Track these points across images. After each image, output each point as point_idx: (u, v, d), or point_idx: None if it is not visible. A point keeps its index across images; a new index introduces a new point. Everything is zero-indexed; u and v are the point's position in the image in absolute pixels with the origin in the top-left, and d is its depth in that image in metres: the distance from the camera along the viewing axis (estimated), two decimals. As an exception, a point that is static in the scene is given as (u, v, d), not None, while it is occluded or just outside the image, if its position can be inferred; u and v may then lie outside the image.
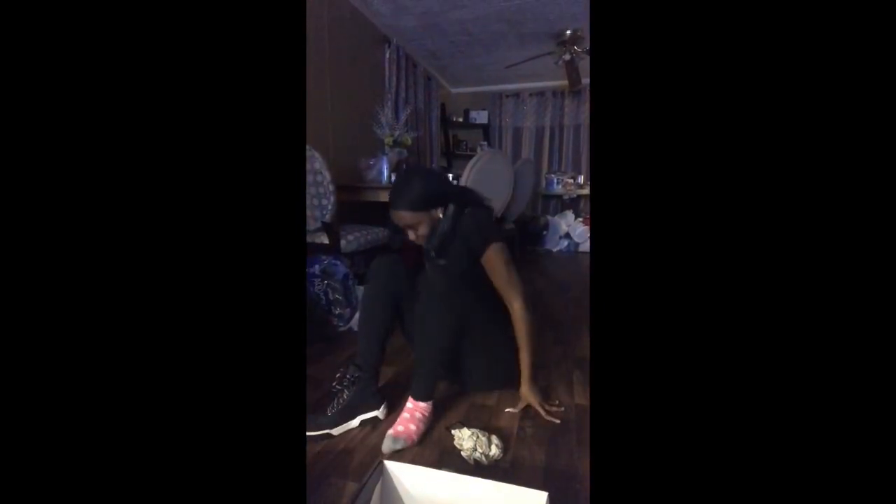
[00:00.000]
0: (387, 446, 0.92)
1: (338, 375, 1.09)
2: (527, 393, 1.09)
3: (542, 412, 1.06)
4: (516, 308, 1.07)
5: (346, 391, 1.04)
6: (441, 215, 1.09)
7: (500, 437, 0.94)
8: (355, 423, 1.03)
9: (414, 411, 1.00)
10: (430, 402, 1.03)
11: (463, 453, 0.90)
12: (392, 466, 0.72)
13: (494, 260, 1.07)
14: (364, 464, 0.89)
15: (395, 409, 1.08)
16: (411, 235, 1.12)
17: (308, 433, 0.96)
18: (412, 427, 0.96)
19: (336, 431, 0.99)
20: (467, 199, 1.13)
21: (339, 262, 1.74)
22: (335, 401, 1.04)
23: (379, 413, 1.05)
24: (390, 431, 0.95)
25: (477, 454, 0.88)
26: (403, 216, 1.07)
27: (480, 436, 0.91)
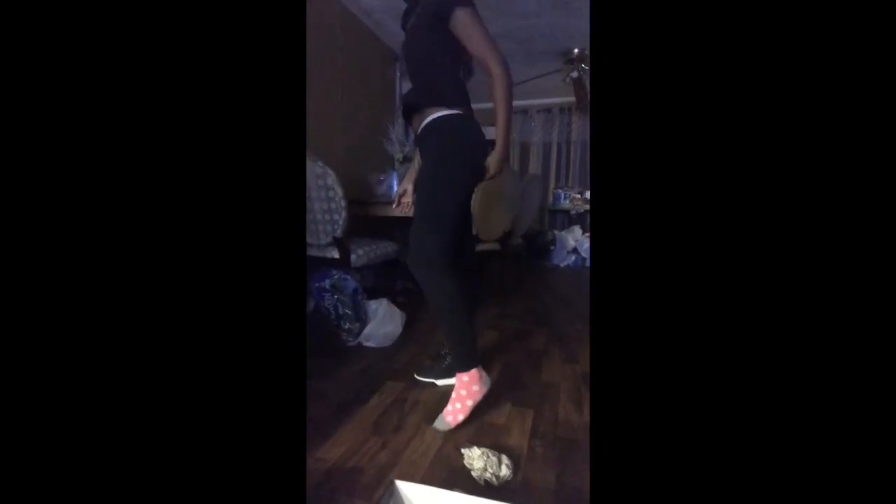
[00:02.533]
0: (438, 425, 1.10)
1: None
2: (494, 161, 1.08)
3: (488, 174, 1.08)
4: (497, 73, 1.03)
5: (448, 356, 1.25)
6: None
7: (511, 456, 0.93)
8: (453, 380, 1.17)
9: (459, 389, 1.13)
10: (474, 370, 1.11)
11: (473, 473, 0.89)
12: (403, 487, 0.72)
13: (467, 22, 1.01)
14: (372, 483, 0.88)
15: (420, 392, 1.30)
16: None
17: (418, 377, 1.27)
18: (457, 406, 1.11)
19: (439, 383, 1.27)
20: None
21: (349, 277, 1.76)
22: (440, 363, 1.31)
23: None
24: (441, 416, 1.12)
25: (487, 475, 0.87)
26: None
27: (491, 455, 0.90)
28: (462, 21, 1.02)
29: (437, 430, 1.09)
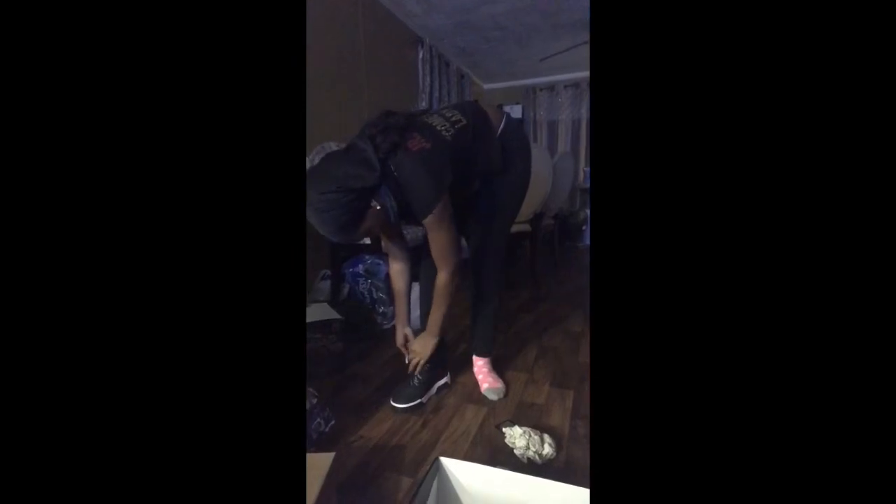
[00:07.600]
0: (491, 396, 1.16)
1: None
2: (420, 340, 1.13)
3: (412, 362, 1.14)
4: (441, 276, 1.03)
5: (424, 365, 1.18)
6: (378, 207, 0.89)
7: (552, 436, 0.93)
8: (433, 390, 1.19)
9: (483, 369, 1.25)
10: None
11: (516, 451, 0.89)
12: (448, 463, 0.72)
13: (433, 227, 0.95)
14: (416, 459, 0.90)
15: (457, 374, 1.31)
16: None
17: (402, 405, 1.11)
18: (492, 377, 1.21)
19: (424, 399, 1.15)
20: (395, 165, 0.90)
21: (381, 262, 1.77)
22: (411, 379, 1.16)
23: (447, 379, 1.23)
24: (487, 385, 1.19)
25: (530, 453, 0.87)
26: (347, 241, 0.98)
27: (533, 434, 0.90)
28: (430, 224, 0.95)
29: (490, 400, 1.15)
